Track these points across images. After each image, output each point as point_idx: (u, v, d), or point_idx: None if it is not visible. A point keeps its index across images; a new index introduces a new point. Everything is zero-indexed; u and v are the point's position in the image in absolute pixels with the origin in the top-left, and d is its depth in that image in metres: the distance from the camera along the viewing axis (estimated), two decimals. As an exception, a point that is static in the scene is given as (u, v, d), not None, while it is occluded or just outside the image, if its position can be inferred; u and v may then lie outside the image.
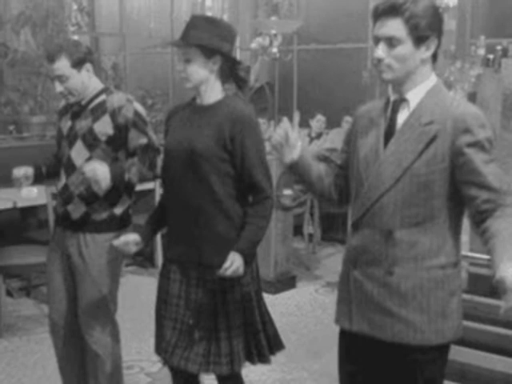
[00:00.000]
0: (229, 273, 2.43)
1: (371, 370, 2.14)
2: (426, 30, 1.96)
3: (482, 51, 5.51)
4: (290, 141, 2.14)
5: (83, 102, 2.96)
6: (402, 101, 2.04)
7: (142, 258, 5.99)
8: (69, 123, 2.98)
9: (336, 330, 2.22)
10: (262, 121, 6.47)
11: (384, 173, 2.00)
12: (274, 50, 7.20)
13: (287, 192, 5.26)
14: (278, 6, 8.16)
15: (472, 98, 4.51)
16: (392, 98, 2.07)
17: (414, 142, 1.97)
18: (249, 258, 2.54)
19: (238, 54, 7.18)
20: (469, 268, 3.24)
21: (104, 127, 2.89)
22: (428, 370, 2.04)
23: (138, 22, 8.95)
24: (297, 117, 2.31)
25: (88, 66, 2.92)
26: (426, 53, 1.99)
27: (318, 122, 7.07)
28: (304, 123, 6.97)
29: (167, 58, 8.76)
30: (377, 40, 2.00)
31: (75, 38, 7.52)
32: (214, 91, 2.57)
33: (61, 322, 3.06)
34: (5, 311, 4.51)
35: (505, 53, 5.00)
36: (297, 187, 5.49)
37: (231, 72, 2.60)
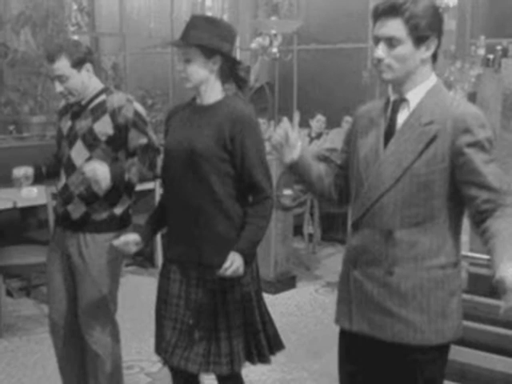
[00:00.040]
0: (229, 273, 2.43)
1: (371, 369, 2.14)
2: (426, 30, 1.96)
3: (482, 51, 5.51)
4: (290, 141, 2.14)
5: (83, 102, 2.96)
6: (402, 101, 2.04)
7: (142, 258, 5.99)
8: (69, 123, 2.98)
9: (336, 330, 2.22)
10: (262, 121, 6.47)
11: (384, 173, 2.00)
12: (274, 50, 7.20)
13: (287, 192, 5.26)
14: (277, 6, 8.16)
15: (472, 98, 4.51)
16: (392, 98, 2.07)
17: (414, 142, 1.97)
18: (249, 258, 2.54)
19: (238, 54, 7.18)
20: (469, 268, 3.24)
21: (104, 127, 2.88)
22: (428, 370, 2.04)
23: (138, 22, 8.95)
24: (297, 117, 2.31)
25: (88, 66, 2.92)
26: (426, 53, 1.99)
27: (318, 122, 7.07)
28: (304, 123, 6.97)
29: (167, 58, 8.76)
30: (377, 40, 2.00)
31: (75, 37, 7.52)
32: (214, 91, 2.57)
33: (61, 322, 3.06)
34: (5, 311, 4.51)
35: (505, 53, 5.00)
36: (297, 187, 5.49)
37: (231, 72, 2.60)
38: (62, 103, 3.10)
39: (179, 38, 2.57)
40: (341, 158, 2.27)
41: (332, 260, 6.24)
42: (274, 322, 2.72)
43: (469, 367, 2.98)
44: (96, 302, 2.96)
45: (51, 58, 2.88)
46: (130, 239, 2.65)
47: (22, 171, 3.03)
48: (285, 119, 2.15)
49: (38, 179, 3.12)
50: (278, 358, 2.82)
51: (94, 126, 2.89)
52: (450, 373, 2.34)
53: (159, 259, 5.55)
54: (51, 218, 4.34)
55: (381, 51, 1.98)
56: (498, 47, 5.10)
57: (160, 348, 2.64)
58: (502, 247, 1.81)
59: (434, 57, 2.04)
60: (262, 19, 8.10)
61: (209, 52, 2.50)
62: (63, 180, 2.99)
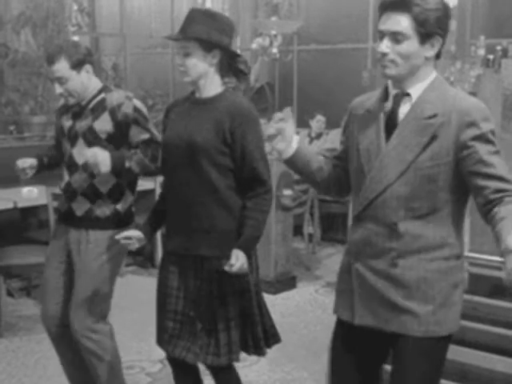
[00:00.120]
0: (234, 270, 2.43)
1: (367, 359, 2.15)
2: (433, 27, 1.94)
3: (481, 51, 5.51)
4: (286, 133, 2.14)
5: (83, 103, 2.97)
6: (403, 95, 2.03)
7: (142, 258, 5.99)
8: (69, 122, 2.99)
9: (336, 329, 2.22)
10: (262, 121, 6.46)
11: (387, 166, 1.99)
12: (274, 50, 7.20)
13: (287, 192, 5.26)
14: (278, 7, 8.16)
15: (472, 98, 4.51)
16: (393, 93, 2.05)
17: (417, 136, 1.96)
18: (250, 252, 2.56)
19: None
20: (469, 268, 3.24)
21: (104, 125, 2.89)
22: (428, 361, 2.04)
23: (139, 23, 8.94)
24: (289, 111, 2.24)
25: (88, 67, 2.93)
26: (430, 51, 1.98)
27: (317, 122, 7.06)
28: (304, 123, 6.97)
29: (168, 59, 8.75)
30: (382, 34, 1.97)
31: (76, 38, 7.52)
32: (213, 85, 2.57)
33: (55, 322, 3.07)
34: (5, 311, 4.51)
35: (505, 53, 5.01)
36: (297, 187, 5.50)
37: (230, 66, 2.60)
38: (62, 101, 3.10)
39: (178, 31, 2.57)
40: (339, 149, 2.26)
41: (332, 260, 6.24)
42: (270, 314, 2.72)
43: (469, 367, 2.98)
44: (90, 299, 2.96)
45: (50, 60, 2.88)
46: (132, 234, 2.67)
47: (28, 162, 3.04)
48: (278, 114, 2.14)
49: (40, 170, 3.13)
50: (278, 358, 2.83)
51: (94, 124, 2.90)
52: (449, 373, 2.35)
53: (159, 259, 5.54)
54: (52, 218, 4.35)
55: (385, 46, 1.96)
56: (498, 47, 5.11)
57: (162, 340, 2.66)
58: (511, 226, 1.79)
59: (437, 55, 2.03)
60: (262, 19, 8.10)
61: (208, 46, 2.50)
62: (66, 178, 3.00)
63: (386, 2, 1.97)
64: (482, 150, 1.92)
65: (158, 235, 5.29)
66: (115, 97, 2.93)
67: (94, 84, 2.98)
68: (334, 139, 6.92)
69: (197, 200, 2.55)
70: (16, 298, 5.09)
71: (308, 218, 6.22)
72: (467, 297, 2.94)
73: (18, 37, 6.20)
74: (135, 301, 4.90)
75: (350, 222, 2.20)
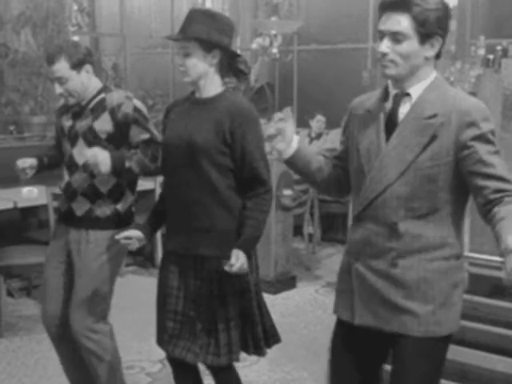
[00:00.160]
0: (235, 270, 2.43)
1: (367, 359, 2.15)
2: (433, 27, 1.94)
3: (481, 51, 5.52)
4: (286, 133, 2.14)
5: (83, 103, 2.97)
6: (403, 95, 2.03)
7: (142, 258, 6.00)
8: (70, 122, 2.99)
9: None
10: (262, 121, 6.46)
11: (387, 166, 2.00)
12: (274, 50, 7.20)
13: (287, 192, 5.27)
14: (278, 7, 8.16)
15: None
16: (393, 93, 2.06)
17: (418, 136, 1.96)
18: (250, 252, 2.56)
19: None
20: (469, 268, 3.24)
21: (104, 125, 2.90)
22: (428, 361, 2.04)
23: (139, 23, 8.94)
24: (289, 111, 2.24)
25: (87, 67, 2.93)
26: (430, 51, 1.98)
27: (317, 122, 7.07)
28: (304, 123, 6.97)
29: (168, 59, 8.75)
30: (381, 34, 1.97)
31: (76, 38, 7.52)
32: (213, 85, 2.57)
33: (55, 322, 3.07)
34: (5, 311, 4.51)
35: (505, 53, 5.01)
36: (297, 187, 5.50)
37: (230, 66, 2.60)
38: (62, 101, 3.11)
39: (178, 31, 2.57)
40: (339, 149, 2.26)
41: (332, 260, 6.24)
42: (270, 314, 2.72)
43: (469, 367, 2.98)
44: (90, 299, 2.96)
45: (50, 60, 2.88)
46: (132, 234, 2.67)
47: (28, 162, 3.04)
48: (278, 114, 2.14)
49: (40, 169, 3.13)
50: (278, 358, 2.83)
51: (94, 124, 2.91)
52: (449, 373, 2.35)
53: (159, 259, 5.54)
54: (52, 218, 4.35)
55: (385, 46, 1.96)
56: (498, 47, 5.11)
57: (162, 340, 2.66)
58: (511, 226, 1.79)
59: (437, 56, 2.03)
60: (262, 20, 8.10)
61: (208, 46, 2.51)
62: (66, 178, 3.01)
63: (386, 2, 1.97)
64: (482, 149, 1.92)
65: (158, 235, 5.29)
66: (115, 97, 2.93)
67: (94, 84, 2.98)
68: (334, 139, 6.92)
69: (197, 200, 2.55)
70: (16, 298, 5.09)
71: (308, 218, 6.22)
72: (467, 297, 2.94)
73: (18, 37, 6.20)
74: (135, 301, 4.90)
75: (350, 222, 2.20)
